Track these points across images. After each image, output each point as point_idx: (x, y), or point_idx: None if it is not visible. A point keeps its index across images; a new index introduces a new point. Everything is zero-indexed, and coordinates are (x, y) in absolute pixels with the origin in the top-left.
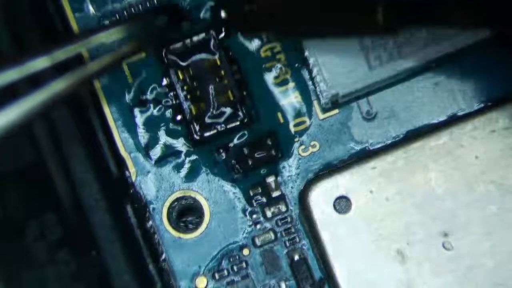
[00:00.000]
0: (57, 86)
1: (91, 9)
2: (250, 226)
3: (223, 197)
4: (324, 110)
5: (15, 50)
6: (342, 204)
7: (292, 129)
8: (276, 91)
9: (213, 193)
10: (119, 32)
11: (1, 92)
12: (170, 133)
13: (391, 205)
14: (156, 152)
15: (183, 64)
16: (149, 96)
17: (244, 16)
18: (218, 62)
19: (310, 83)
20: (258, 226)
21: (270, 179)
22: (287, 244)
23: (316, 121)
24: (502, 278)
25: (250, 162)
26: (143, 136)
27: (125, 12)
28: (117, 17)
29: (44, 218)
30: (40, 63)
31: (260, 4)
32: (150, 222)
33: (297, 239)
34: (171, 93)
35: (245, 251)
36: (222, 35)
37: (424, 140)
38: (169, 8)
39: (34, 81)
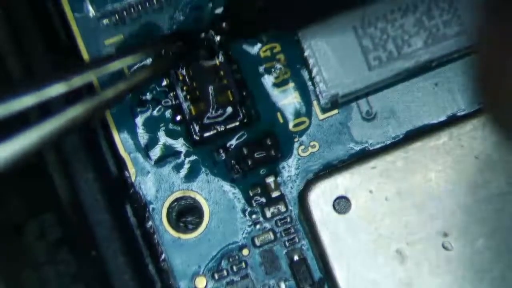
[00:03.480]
0: (71, 113)
1: (91, 9)
2: (249, 226)
3: (222, 197)
4: (324, 110)
5: (14, 50)
6: (341, 204)
7: (292, 129)
8: (276, 91)
9: (213, 193)
10: (134, 59)
11: (14, 118)
12: (170, 134)
13: (391, 205)
14: (155, 153)
15: (183, 64)
16: (149, 96)
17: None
18: (218, 63)
19: (309, 83)
20: (258, 226)
21: (270, 179)
22: (287, 244)
23: (316, 121)
24: (501, 278)
25: (249, 162)
26: (142, 137)
27: (124, 13)
28: (117, 17)
29: (44, 218)
30: (55, 90)
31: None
32: (150, 222)
33: (297, 239)
34: (171, 94)
35: (245, 251)
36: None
37: (423, 140)
38: (185, 35)
39: (47, 109)
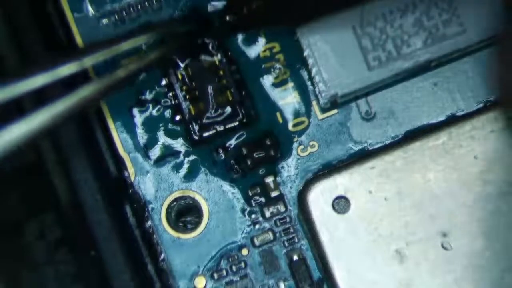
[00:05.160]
0: (87, 91)
1: (90, 9)
2: (249, 226)
3: (222, 197)
4: (323, 110)
5: (14, 50)
6: (341, 204)
7: (291, 129)
8: (275, 91)
9: (212, 193)
10: (146, 39)
11: (37, 94)
12: (169, 133)
13: (390, 205)
14: (155, 152)
15: (182, 64)
16: (148, 96)
17: (246, 15)
18: (217, 62)
19: (309, 83)
20: (257, 226)
21: (269, 179)
22: (286, 244)
23: (315, 121)
24: (501, 278)
25: (249, 162)
26: (142, 136)
27: (124, 13)
28: (116, 17)
29: (44, 218)
30: (67, 69)
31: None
32: (149, 222)
33: (296, 239)
34: (170, 93)
35: (244, 251)
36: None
37: (423, 140)
38: (198, 15)
39: (62, 88)
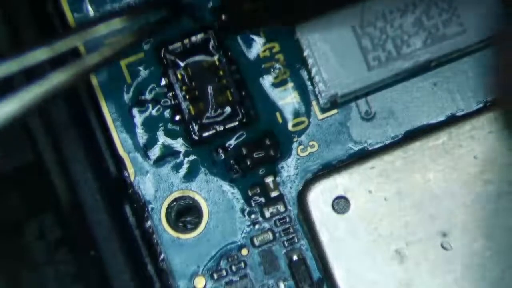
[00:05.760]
0: (57, 78)
1: (90, 9)
2: (248, 226)
3: (221, 197)
4: (323, 110)
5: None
6: (340, 204)
7: (291, 129)
8: (275, 91)
9: (212, 193)
10: (119, 23)
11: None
12: (169, 133)
13: (390, 205)
14: (154, 152)
15: (182, 64)
16: (148, 96)
17: (242, 15)
18: (217, 62)
19: (309, 83)
20: (257, 226)
21: (269, 179)
22: (286, 244)
23: (315, 121)
24: (501, 279)
25: (248, 162)
26: (141, 136)
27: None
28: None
29: (43, 218)
30: (39, 55)
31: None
32: (149, 222)
33: (296, 239)
34: (170, 93)
35: (244, 251)
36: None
37: (422, 140)
38: (171, 1)
39: (32, 74)
